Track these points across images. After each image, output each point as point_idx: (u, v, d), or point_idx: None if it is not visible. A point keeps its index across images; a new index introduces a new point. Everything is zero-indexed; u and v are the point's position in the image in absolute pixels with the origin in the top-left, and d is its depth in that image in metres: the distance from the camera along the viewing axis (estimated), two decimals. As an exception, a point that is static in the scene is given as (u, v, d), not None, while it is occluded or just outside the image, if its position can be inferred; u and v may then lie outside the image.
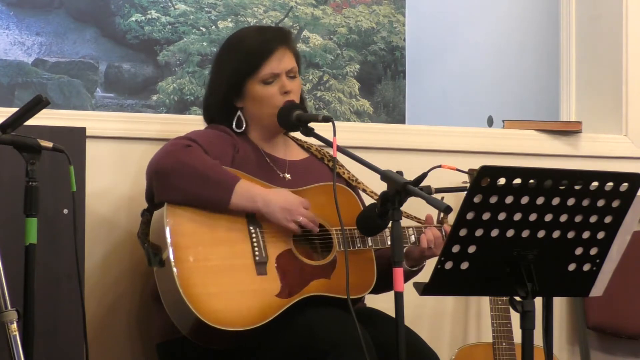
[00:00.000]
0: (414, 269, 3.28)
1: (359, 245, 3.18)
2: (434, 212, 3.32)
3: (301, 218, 3.08)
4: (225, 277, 3.02)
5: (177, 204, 3.04)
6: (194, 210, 3.05)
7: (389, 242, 3.16)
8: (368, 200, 3.30)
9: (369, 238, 3.18)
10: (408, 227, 3.25)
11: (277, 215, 3.07)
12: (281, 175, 3.28)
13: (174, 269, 2.98)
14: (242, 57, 3.25)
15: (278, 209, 3.07)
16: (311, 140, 3.27)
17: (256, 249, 3.07)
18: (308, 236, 3.17)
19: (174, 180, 3.04)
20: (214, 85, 3.31)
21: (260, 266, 3.07)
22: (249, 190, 3.06)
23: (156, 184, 3.08)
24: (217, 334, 2.97)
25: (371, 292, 3.22)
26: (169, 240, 3.01)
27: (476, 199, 2.54)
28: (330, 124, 3.03)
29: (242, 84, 3.25)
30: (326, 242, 3.18)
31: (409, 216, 3.36)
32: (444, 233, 3.27)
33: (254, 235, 3.08)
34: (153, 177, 3.09)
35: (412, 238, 3.26)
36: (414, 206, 3.32)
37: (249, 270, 3.05)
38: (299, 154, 3.40)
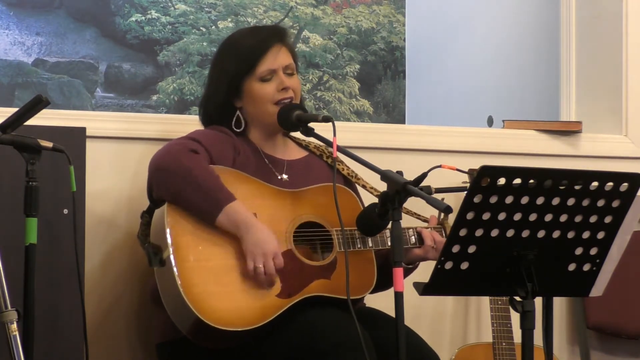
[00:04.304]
0: (410, 266, 3.29)
1: (359, 245, 3.18)
2: (436, 213, 3.33)
3: (260, 265, 3.01)
4: (226, 277, 3.02)
5: (171, 203, 3.04)
6: (194, 211, 3.06)
7: (389, 243, 3.17)
8: (367, 196, 3.30)
9: (369, 238, 3.17)
10: (408, 228, 3.25)
11: (247, 246, 3.01)
12: (279, 177, 3.28)
13: (175, 269, 2.98)
14: (238, 57, 3.25)
15: (251, 242, 3.01)
16: (311, 140, 3.27)
17: (256, 249, 3.07)
18: (308, 236, 3.17)
19: (171, 181, 3.04)
20: (212, 86, 3.31)
21: (260, 266, 3.06)
22: (236, 215, 3.02)
23: (155, 180, 3.08)
24: (217, 334, 2.97)
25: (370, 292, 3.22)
26: (169, 240, 3.01)
27: (476, 199, 2.54)
28: (330, 124, 3.03)
29: (240, 83, 3.25)
30: (326, 242, 3.18)
31: (408, 212, 3.36)
32: (444, 234, 3.28)
33: (254, 235, 3.08)
34: (153, 173, 3.09)
35: (413, 239, 3.26)
36: (414, 206, 3.32)
37: (250, 271, 3.05)
38: (297, 153, 3.40)
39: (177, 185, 3.03)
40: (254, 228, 3.02)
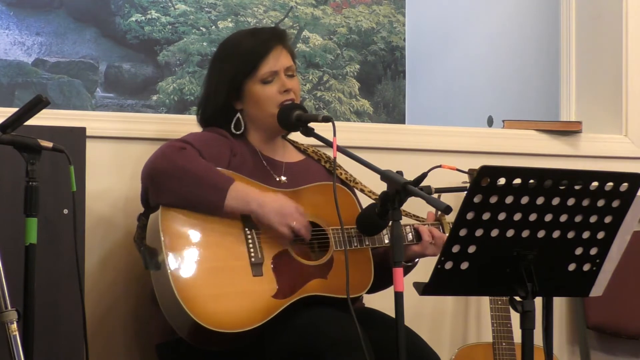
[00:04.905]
0: (409, 263, 3.28)
1: (355, 244, 3.17)
2: (433, 212, 3.33)
3: (294, 223, 3.06)
4: (221, 279, 3.01)
5: (171, 207, 3.04)
6: (189, 212, 3.05)
7: (386, 241, 3.17)
8: (366, 200, 3.29)
9: (366, 237, 3.17)
10: (405, 225, 3.25)
11: (271, 218, 3.05)
12: (277, 178, 3.28)
13: (170, 272, 2.97)
14: (239, 59, 3.25)
15: (272, 213, 3.05)
16: (310, 140, 3.27)
17: (252, 250, 3.07)
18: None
19: (168, 183, 3.04)
20: (211, 89, 3.30)
21: (256, 267, 3.06)
22: (243, 192, 3.05)
23: (151, 186, 3.07)
24: (214, 336, 2.96)
25: (367, 292, 3.22)
26: (164, 244, 3.00)
27: (476, 199, 2.54)
28: (330, 124, 3.02)
29: (241, 85, 3.25)
30: (323, 241, 3.17)
31: (407, 214, 3.36)
32: (442, 230, 3.28)
33: (249, 236, 3.08)
34: (148, 180, 3.09)
35: (410, 236, 3.26)
36: (414, 206, 3.32)
37: (245, 272, 3.04)
38: (295, 156, 3.40)
39: (176, 184, 3.03)
40: (265, 198, 3.05)
